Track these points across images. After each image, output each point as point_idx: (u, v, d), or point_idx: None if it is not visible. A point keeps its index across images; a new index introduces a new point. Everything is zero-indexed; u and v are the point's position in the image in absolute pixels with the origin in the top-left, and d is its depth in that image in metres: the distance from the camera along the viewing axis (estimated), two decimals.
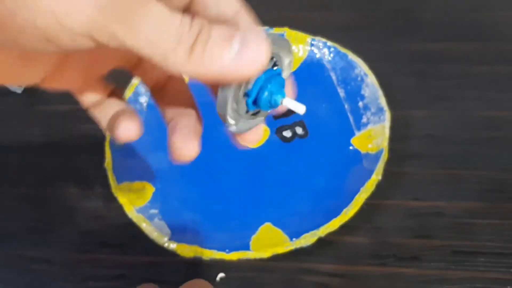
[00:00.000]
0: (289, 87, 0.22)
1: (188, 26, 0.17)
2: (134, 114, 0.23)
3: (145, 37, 0.17)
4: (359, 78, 0.47)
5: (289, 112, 0.47)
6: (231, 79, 0.18)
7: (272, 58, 0.20)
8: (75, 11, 0.16)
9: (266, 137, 0.46)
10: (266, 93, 0.20)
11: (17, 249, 0.41)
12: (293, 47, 0.51)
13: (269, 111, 0.22)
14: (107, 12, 0.16)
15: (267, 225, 0.41)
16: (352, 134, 0.45)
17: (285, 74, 0.22)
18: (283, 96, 0.21)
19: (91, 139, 0.45)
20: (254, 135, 0.23)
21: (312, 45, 0.50)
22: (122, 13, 0.17)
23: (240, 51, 0.17)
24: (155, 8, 0.17)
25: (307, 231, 0.38)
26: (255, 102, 0.21)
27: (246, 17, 0.21)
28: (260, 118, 0.23)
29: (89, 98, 0.23)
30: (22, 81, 0.22)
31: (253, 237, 0.40)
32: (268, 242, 0.39)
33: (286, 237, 0.39)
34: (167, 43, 0.17)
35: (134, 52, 0.18)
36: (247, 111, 0.21)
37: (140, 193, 0.43)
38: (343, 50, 0.49)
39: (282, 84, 0.21)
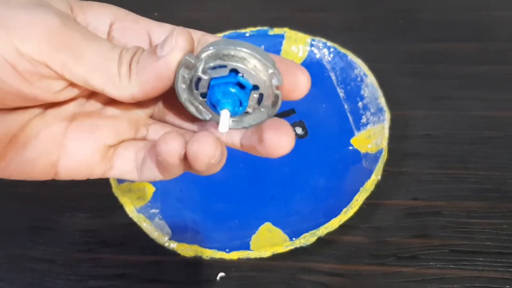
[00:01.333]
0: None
1: (126, 50, 0.21)
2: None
3: (92, 65, 0.20)
4: (358, 79, 0.47)
5: (289, 112, 0.47)
6: (166, 75, 0.20)
7: (235, 71, 0.21)
8: (29, 39, 0.19)
9: None
10: (213, 94, 0.21)
11: (18, 248, 0.42)
12: (293, 48, 0.51)
13: (269, 111, 0.22)
14: (56, 42, 0.19)
15: (267, 224, 0.41)
16: (352, 134, 0.45)
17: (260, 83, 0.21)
18: (223, 107, 0.21)
19: None
20: (272, 137, 0.21)
21: (312, 45, 0.51)
22: (70, 44, 0.20)
23: (162, 50, 0.20)
24: (99, 41, 0.20)
25: (307, 231, 0.38)
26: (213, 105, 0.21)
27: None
28: (256, 116, 0.22)
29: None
30: None
31: (253, 236, 0.40)
32: (268, 241, 0.39)
33: (286, 236, 0.39)
34: (112, 66, 0.20)
35: (85, 84, 0.20)
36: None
37: (141, 193, 0.43)
38: (343, 50, 0.49)
39: (229, 94, 0.20)
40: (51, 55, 0.19)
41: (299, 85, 0.21)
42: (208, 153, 0.20)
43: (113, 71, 0.20)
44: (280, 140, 0.21)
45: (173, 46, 0.20)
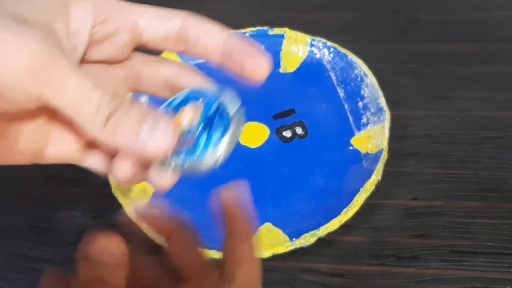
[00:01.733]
0: None
1: (108, 99, 0.20)
2: None
3: (69, 102, 0.19)
4: (358, 78, 0.47)
5: (289, 112, 0.47)
6: (137, 155, 0.20)
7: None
8: (6, 67, 0.18)
9: (266, 137, 0.46)
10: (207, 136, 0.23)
11: (18, 248, 0.42)
12: (293, 48, 0.51)
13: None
14: (34, 74, 0.19)
15: (267, 225, 0.41)
16: (352, 134, 0.45)
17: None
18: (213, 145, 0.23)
19: None
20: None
21: (312, 45, 0.51)
22: (48, 77, 0.19)
23: (146, 136, 0.20)
24: (79, 77, 0.20)
25: (307, 231, 0.38)
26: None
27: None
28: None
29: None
30: None
31: None
32: (268, 242, 0.39)
33: (286, 236, 0.39)
34: (88, 109, 0.20)
35: (59, 112, 0.20)
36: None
37: (141, 193, 0.43)
38: (343, 50, 0.49)
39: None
40: (27, 86, 0.19)
41: (259, 68, 0.22)
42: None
43: (88, 115, 0.20)
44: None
45: (156, 143, 0.20)
